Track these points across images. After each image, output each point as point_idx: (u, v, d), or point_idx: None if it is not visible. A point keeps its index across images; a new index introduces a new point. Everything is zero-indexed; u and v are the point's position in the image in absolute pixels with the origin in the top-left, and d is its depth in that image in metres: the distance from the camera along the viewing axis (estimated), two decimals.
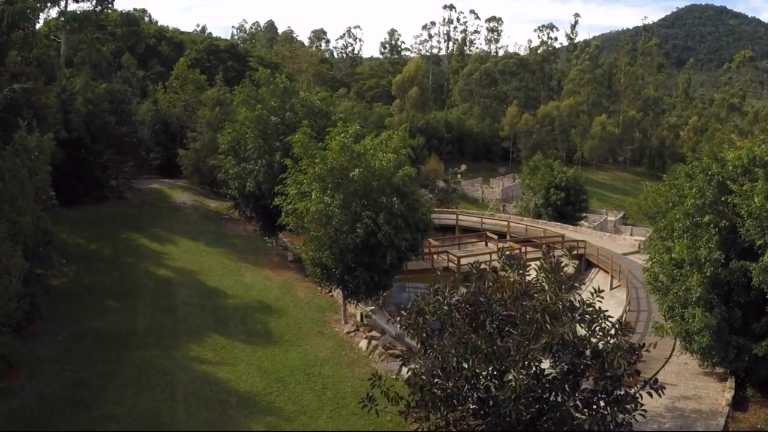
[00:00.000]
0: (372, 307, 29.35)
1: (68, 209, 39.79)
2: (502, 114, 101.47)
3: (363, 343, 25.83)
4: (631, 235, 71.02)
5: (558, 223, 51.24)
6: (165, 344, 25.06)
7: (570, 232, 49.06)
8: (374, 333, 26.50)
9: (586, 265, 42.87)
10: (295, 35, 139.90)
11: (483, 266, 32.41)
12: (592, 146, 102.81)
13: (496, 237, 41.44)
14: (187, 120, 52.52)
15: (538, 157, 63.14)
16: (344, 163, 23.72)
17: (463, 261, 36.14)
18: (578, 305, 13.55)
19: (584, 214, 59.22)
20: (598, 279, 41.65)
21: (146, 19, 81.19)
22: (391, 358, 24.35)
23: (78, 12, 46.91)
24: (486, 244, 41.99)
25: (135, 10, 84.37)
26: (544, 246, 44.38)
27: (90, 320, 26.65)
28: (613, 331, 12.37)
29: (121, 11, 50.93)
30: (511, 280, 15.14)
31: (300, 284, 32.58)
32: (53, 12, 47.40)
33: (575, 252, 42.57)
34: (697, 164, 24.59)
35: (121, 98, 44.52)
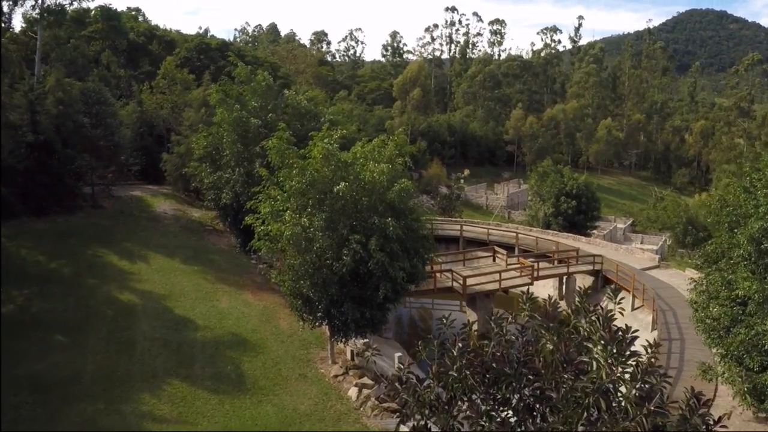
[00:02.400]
0: (365, 340, 24.39)
1: (36, 220, 35.23)
2: (506, 117, 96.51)
3: (353, 392, 20.89)
4: (641, 243, 66.14)
5: (569, 234, 46.23)
6: (114, 394, 20.21)
7: (583, 244, 44.02)
8: (366, 380, 21.48)
9: (603, 282, 37.84)
10: (297, 38, 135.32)
11: (490, 286, 27.38)
12: (598, 150, 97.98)
13: (504, 252, 36.45)
14: (174, 122, 47.62)
15: (547, 162, 58.08)
16: (328, 175, 18.76)
17: (470, 281, 31.21)
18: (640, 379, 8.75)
19: (597, 224, 54.10)
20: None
21: (140, 18, 76.64)
22: (387, 413, 19.42)
23: (53, 5, 41.99)
24: (494, 259, 37.01)
25: (129, 9, 79.77)
26: (556, 261, 39.77)
27: (30, 361, 21.92)
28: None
29: (101, 5, 46.10)
30: (549, 346, 10.32)
31: (283, 311, 27.60)
32: (27, 5, 42.49)
33: (592, 268, 37.68)
34: (757, 176, 19.66)
35: (97, 98, 39.63)
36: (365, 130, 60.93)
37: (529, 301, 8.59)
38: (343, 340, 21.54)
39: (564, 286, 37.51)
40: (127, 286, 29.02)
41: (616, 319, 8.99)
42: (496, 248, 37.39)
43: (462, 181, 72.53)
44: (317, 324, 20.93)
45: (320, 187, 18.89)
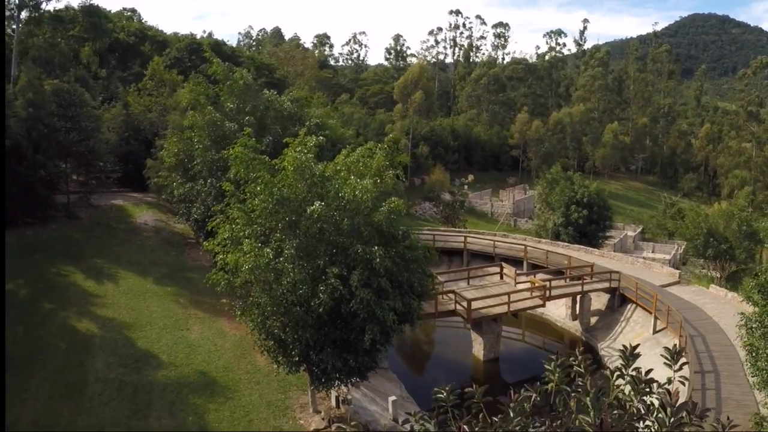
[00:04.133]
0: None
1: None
2: (511, 121, 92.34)
3: None
4: (653, 252, 61.96)
5: (581, 246, 42.09)
6: None
7: (596, 257, 39.87)
8: None
9: (620, 300, 33.72)
10: (302, 42, 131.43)
11: (497, 309, 23.29)
12: (604, 155, 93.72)
13: (513, 270, 32.37)
14: (162, 126, 43.70)
15: (556, 168, 53.87)
16: (301, 193, 14.77)
17: (476, 304, 27.17)
18: None
19: (609, 234, 49.90)
20: (635, 319, 32.59)
21: (135, 18, 72.91)
22: None
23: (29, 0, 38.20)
24: (501, 277, 32.94)
25: (125, 9, 76.06)
26: (569, 278, 35.61)
27: None
28: None
29: (83, 2, 42.35)
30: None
31: None
32: None
33: (608, 285, 33.58)
34: None
35: (71, 100, 35.80)
36: (364, 134, 56.98)
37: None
38: (325, 388, 17.52)
39: (578, 305, 33.43)
40: (88, 312, 25.14)
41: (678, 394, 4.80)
42: (504, 264, 33.31)
43: (466, 187, 68.51)
44: (294, 370, 16.93)
45: (292, 206, 14.89)
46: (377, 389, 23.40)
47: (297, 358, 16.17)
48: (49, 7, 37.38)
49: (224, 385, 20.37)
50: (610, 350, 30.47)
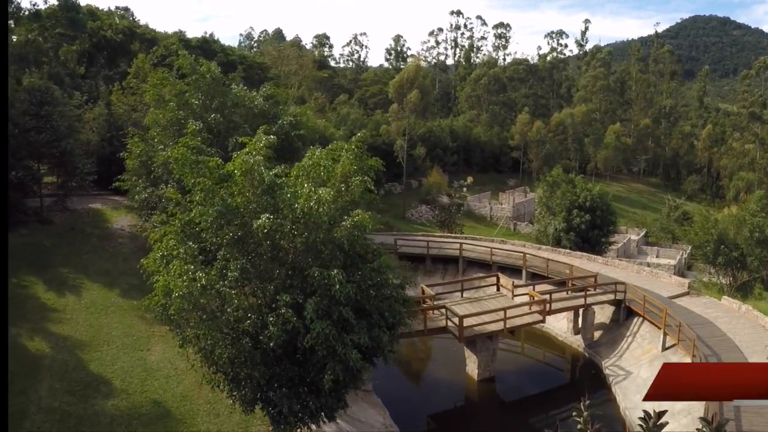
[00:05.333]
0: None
1: None
2: (512, 122, 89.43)
3: None
4: (657, 257, 59.01)
5: (583, 254, 39.23)
6: None
7: (600, 265, 37.04)
8: None
9: (626, 313, 30.87)
10: (303, 43, 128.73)
11: (493, 327, 20.46)
12: (606, 156, 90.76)
13: (510, 282, 29.53)
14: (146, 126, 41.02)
15: (557, 170, 50.96)
16: (250, 203, 12.04)
17: (468, 321, 24.36)
18: None
19: (612, 239, 47.01)
20: (643, 334, 29.70)
21: (128, 17, 70.31)
22: None
23: None
24: (498, 288, 30.12)
25: (117, 8, 73.48)
26: (571, 289, 32.71)
27: None
28: None
29: None
30: None
31: None
32: None
33: (613, 297, 30.76)
34: None
35: (42, 98, 33.18)
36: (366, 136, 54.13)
37: None
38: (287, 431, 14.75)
39: (580, 319, 30.63)
40: (42, 328, 22.49)
41: None
42: (501, 275, 30.51)
43: (465, 189, 65.64)
44: (249, 409, 14.19)
45: (241, 219, 12.16)
46: (357, 418, 20.66)
47: (249, 397, 13.44)
48: (25, 2, 34.57)
49: (180, 418, 17.68)
50: (615, 368, 27.65)
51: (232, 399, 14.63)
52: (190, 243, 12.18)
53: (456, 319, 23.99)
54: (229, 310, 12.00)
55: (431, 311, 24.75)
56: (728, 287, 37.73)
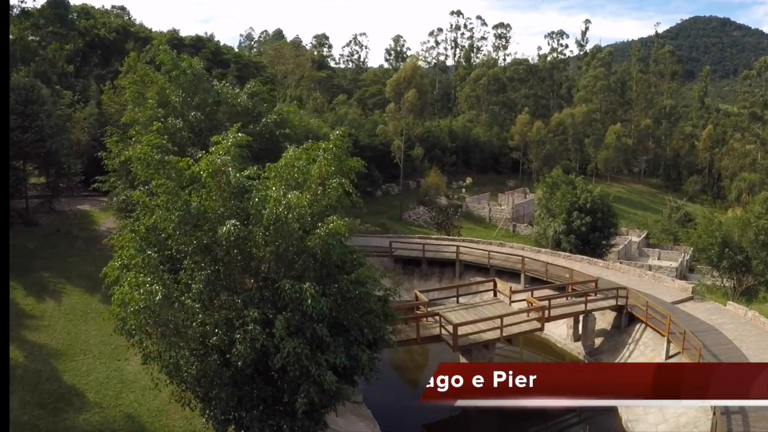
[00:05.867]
0: None
1: None
2: (511, 122, 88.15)
3: None
4: (659, 259, 57.73)
5: (584, 257, 37.99)
6: None
7: (600, 269, 35.82)
8: None
9: (628, 319, 29.65)
10: (304, 44, 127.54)
11: (489, 335, 19.23)
12: (607, 157, 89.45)
13: (508, 288, 28.31)
14: None
15: (557, 171, 49.68)
16: (217, 207, 10.86)
17: (463, 330, 23.17)
18: None
19: (613, 242, 45.75)
20: (645, 341, 28.46)
21: (126, 17, 69.22)
22: None
23: None
24: (495, 294, 28.89)
25: (114, 7, 72.38)
26: (571, 295, 31.53)
27: None
28: None
29: None
30: None
31: None
32: None
33: (615, 303, 29.55)
34: None
35: (28, 97, 32.06)
36: (355, 135, 52.94)
37: None
38: None
39: (580, 325, 29.42)
40: (18, 336, 21.32)
41: None
42: (498, 280, 29.29)
43: (463, 190, 64.46)
44: (222, 430, 13.00)
45: (209, 226, 10.98)
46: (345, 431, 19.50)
47: (221, 418, 12.27)
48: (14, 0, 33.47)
49: None
50: None
51: (206, 418, 13.45)
52: (150, 252, 11.01)
53: (450, 327, 22.79)
54: (194, 324, 10.85)
55: (424, 318, 23.54)
56: (732, 291, 36.50)
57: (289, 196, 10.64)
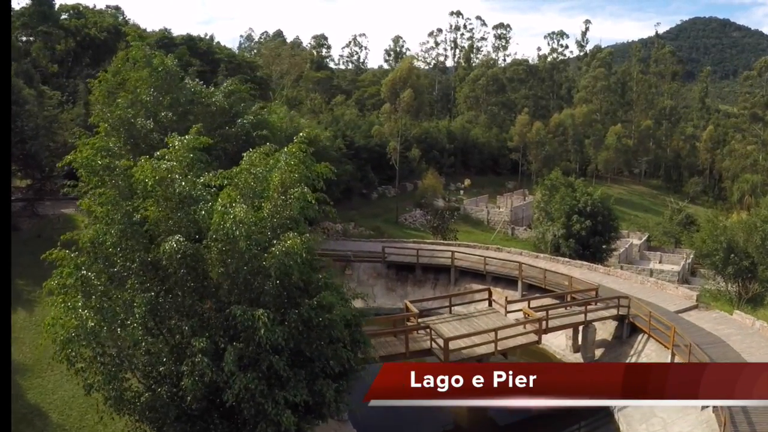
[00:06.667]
0: None
1: None
2: (511, 123, 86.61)
3: None
4: (660, 262, 56.15)
5: (584, 263, 36.51)
6: None
7: (601, 275, 34.35)
8: None
9: (630, 329, 28.14)
10: (304, 45, 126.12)
11: (482, 349, 17.80)
12: (607, 158, 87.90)
13: (504, 298, 26.82)
14: None
15: (556, 173, 48.18)
16: (165, 220, 9.41)
17: (455, 344, 21.66)
18: None
19: (614, 246, 44.19)
20: (648, 353, 26.93)
21: (120, 17, 67.88)
22: None
23: None
24: (490, 303, 27.41)
25: (108, 7, 71.00)
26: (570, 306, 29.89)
27: None
28: None
29: None
30: None
31: None
32: None
33: (616, 312, 28.04)
34: None
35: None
36: (351, 136, 51.53)
37: None
38: None
39: (580, 336, 27.91)
40: None
41: None
42: (493, 290, 27.79)
43: (461, 192, 62.94)
44: None
45: (155, 241, 9.53)
46: None
47: None
48: None
49: None
50: None
51: None
52: (84, 272, 9.59)
53: (441, 341, 21.32)
54: (137, 353, 9.44)
55: (414, 331, 22.08)
56: (737, 297, 34.94)
57: (236, 209, 9.20)
